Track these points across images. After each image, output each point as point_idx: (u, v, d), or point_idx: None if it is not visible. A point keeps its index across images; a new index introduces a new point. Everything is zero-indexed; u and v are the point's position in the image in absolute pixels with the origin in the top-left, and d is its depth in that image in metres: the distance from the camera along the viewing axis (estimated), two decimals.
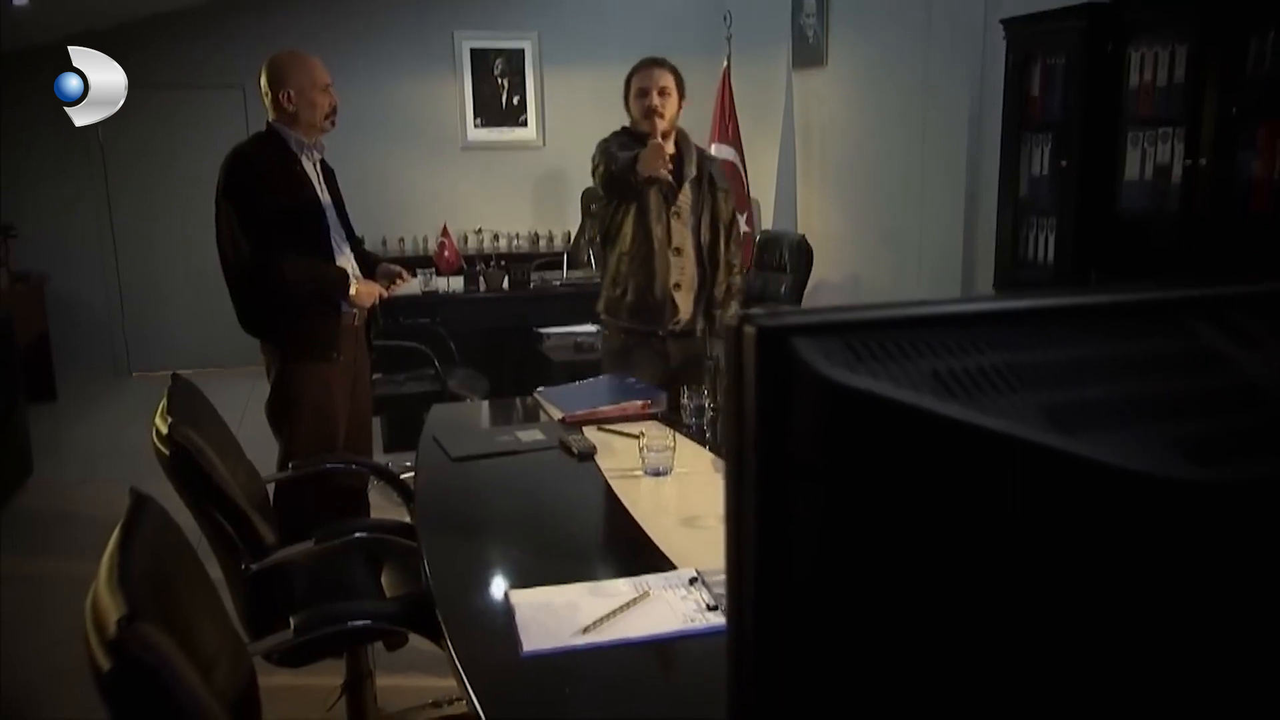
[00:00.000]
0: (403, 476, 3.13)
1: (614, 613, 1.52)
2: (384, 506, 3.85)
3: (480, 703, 1.29)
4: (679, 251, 3.15)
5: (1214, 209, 3.80)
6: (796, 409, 0.36)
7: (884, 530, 0.36)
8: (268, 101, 2.97)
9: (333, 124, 3.00)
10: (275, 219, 2.85)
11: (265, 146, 2.96)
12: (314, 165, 3.02)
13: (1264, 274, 2.70)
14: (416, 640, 2.64)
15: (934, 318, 0.39)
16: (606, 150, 3.11)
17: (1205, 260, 3.79)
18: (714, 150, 6.04)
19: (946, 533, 0.35)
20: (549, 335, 5.01)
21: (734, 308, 3.29)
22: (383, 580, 2.44)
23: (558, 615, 1.53)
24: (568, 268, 5.71)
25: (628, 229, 3.12)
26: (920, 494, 0.35)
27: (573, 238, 7.18)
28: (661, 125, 3.03)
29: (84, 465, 5.20)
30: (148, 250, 7.36)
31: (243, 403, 4.78)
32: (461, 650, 1.43)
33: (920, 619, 0.36)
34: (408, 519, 3.90)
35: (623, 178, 2.98)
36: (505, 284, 5.27)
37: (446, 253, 5.43)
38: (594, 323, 5.12)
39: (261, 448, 2.81)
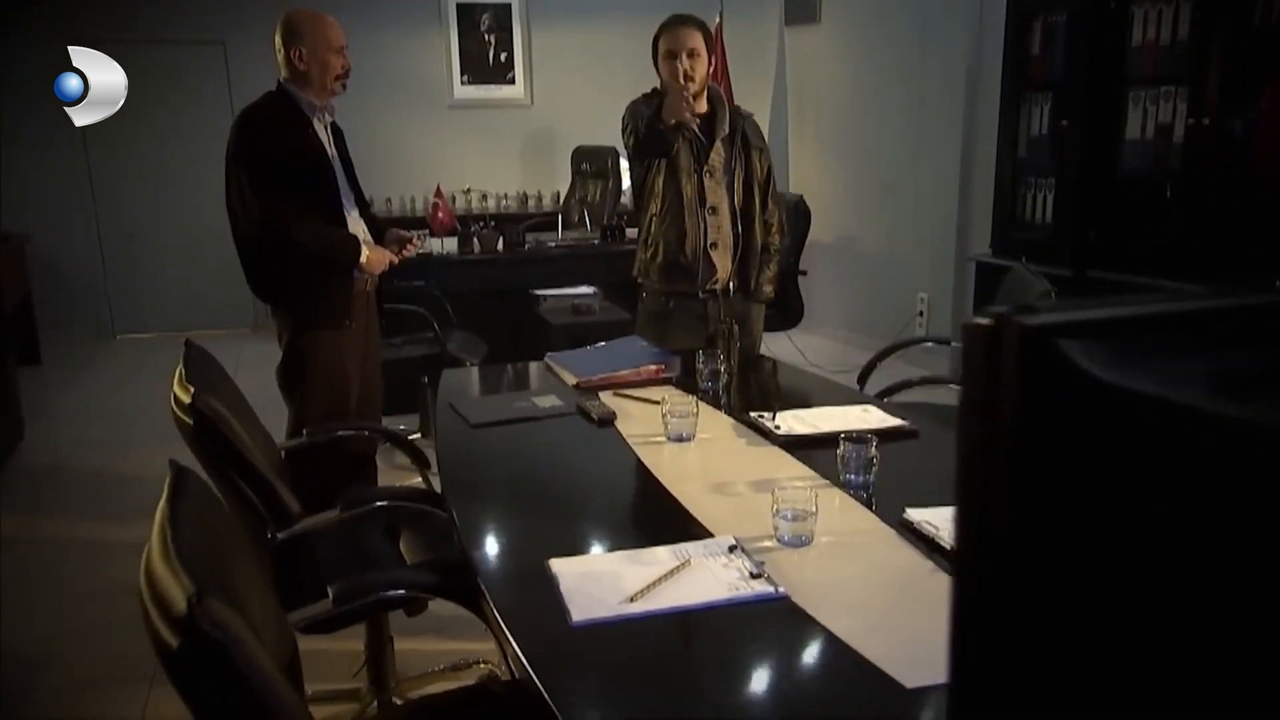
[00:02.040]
0: (409, 439, 3.12)
1: (658, 581, 1.52)
2: (385, 471, 3.84)
3: (537, 674, 1.29)
4: (714, 210, 3.11)
5: (1217, 169, 3.80)
6: (1064, 414, 0.35)
7: (1158, 536, 0.35)
8: (280, 59, 2.89)
9: (344, 87, 2.93)
10: (287, 182, 2.79)
11: (276, 107, 2.89)
12: (325, 128, 2.97)
13: (1268, 235, 2.71)
14: (434, 605, 2.65)
15: (1203, 313, 0.38)
16: (635, 111, 3.07)
17: (1207, 221, 3.81)
18: None
19: (1227, 539, 0.34)
20: (545, 297, 4.98)
21: (773, 269, 3.26)
22: (400, 546, 2.44)
23: (601, 584, 1.53)
24: (562, 229, 5.66)
25: (658, 188, 3.09)
26: (1198, 499, 0.35)
27: (563, 198, 7.11)
28: (692, 88, 2.99)
29: (76, 429, 5.15)
30: (130, 210, 7.24)
31: (231, 366, 4.73)
32: (510, 621, 1.43)
33: (1187, 628, 0.36)
34: (415, 481, 3.91)
35: (650, 129, 2.93)
36: (500, 245, 5.22)
37: (440, 214, 5.37)
38: (588, 284, 5.11)
39: (257, 412, 2.79)
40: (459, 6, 7.38)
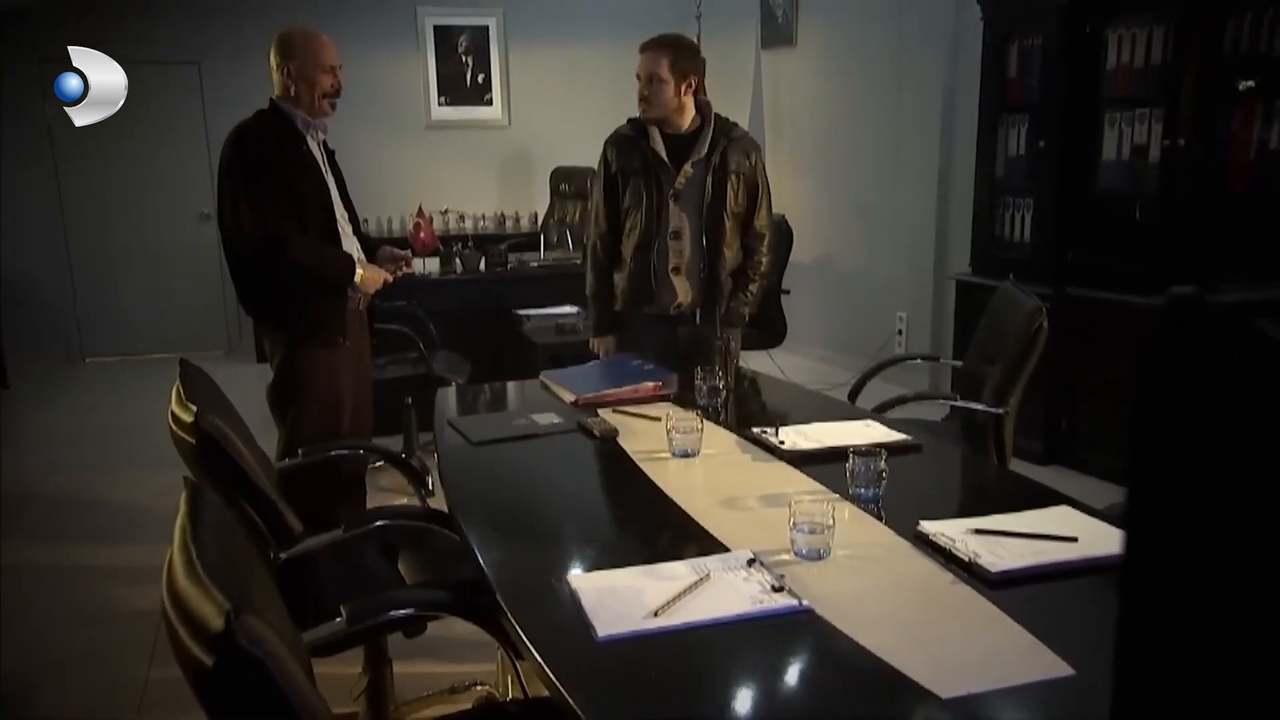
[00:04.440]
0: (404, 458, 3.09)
1: (680, 595, 1.52)
2: (371, 493, 3.78)
3: (566, 689, 1.28)
4: (676, 235, 3.13)
5: (1192, 189, 3.89)
6: (1263, 388, 0.35)
7: None
8: (274, 76, 2.88)
9: (332, 107, 2.91)
10: (282, 200, 2.77)
11: (270, 124, 2.87)
12: (318, 145, 2.95)
13: (1241, 253, 2.77)
14: (431, 626, 2.62)
15: None
16: (612, 146, 3.17)
17: (1183, 240, 3.88)
18: None
19: None
20: (529, 317, 4.97)
21: (754, 289, 3.27)
22: (399, 566, 2.41)
23: (624, 599, 1.52)
24: (544, 249, 5.66)
25: (629, 219, 3.14)
26: None
27: (541, 219, 7.11)
28: (650, 113, 3.06)
29: (49, 453, 5.04)
30: (100, 231, 7.14)
31: None
32: (535, 638, 1.41)
33: None
34: (403, 501, 3.86)
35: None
36: (482, 265, 5.21)
37: (423, 234, 5.35)
38: (571, 304, 5.10)
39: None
40: (436, 28, 7.40)
